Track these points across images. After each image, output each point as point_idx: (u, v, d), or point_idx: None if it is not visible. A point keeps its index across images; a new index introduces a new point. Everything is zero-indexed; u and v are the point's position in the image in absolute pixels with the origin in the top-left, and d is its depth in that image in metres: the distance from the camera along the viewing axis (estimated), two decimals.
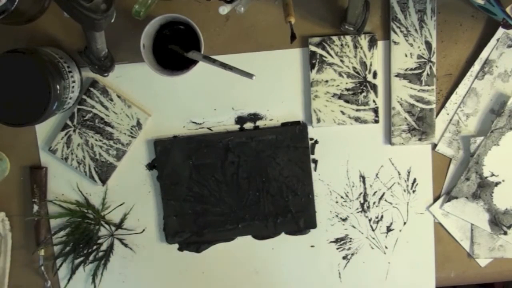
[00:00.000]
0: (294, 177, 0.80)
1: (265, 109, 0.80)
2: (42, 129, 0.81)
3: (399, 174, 0.81)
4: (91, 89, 0.79)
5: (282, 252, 0.83)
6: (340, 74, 0.78)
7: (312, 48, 0.77)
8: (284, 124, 0.80)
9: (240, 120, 0.81)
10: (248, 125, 0.81)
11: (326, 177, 0.81)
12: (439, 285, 0.84)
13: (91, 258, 0.83)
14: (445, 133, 0.80)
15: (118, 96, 0.79)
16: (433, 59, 0.77)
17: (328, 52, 0.77)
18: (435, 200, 0.81)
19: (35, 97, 0.68)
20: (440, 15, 0.77)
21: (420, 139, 0.79)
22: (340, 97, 0.78)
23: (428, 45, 0.77)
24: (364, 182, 0.81)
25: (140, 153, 0.81)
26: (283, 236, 0.82)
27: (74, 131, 0.80)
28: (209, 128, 0.81)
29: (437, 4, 0.76)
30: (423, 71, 0.77)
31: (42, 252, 0.82)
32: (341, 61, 0.77)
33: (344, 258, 0.83)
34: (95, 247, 0.83)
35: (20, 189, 0.82)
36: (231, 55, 0.79)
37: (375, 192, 0.81)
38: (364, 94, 0.78)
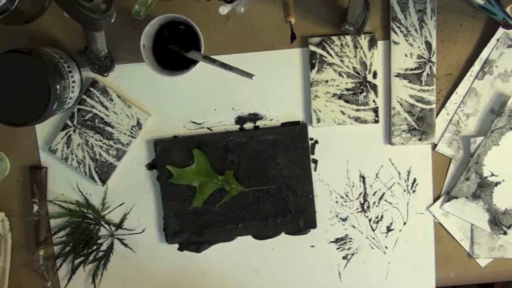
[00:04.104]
0: (294, 177, 0.80)
1: (265, 109, 0.80)
2: (42, 129, 0.81)
3: (399, 174, 0.81)
4: (91, 89, 0.79)
5: (282, 252, 0.83)
6: (340, 74, 0.78)
7: (312, 48, 0.77)
8: (284, 124, 0.81)
9: (240, 120, 0.81)
10: (248, 125, 0.81)
11: (326, 177, 0.81)
12: (439, 285, 0.84)
13: (91, 258, 0.83)
14: (445, 133, 0.80)
15: (118, 96, 0.79)
16: (433, 59, 0.77)
17: (328, 52, 0.77)
18: (435, 200, 0.81)
19: (35, 97, 0.68)
20: (440, 15, 0.77)
21: (420, 139, 0.79)
22: (340, 97, 0.78)
23: (428, 45, 0.77)
24: (364, 182, 0.81)
25: (140, 153, 0.82)
26: (283, 236, 0.82)
27: (74, 131, 0.80)
28: (209, 128, 0.81)
29: (437, 4, 0.76)
30: (423, 71, 0.77)
31: (42, 252, 0.82)
32: (341, 61, 0.77)
33: (344, 258, 0.83)
34: (95, 247, 0.83)
35: (20, 189, 0.82)
36: (231, 55, 0.79)
37: (375, 192, 0.82)
38: (364, 94, 0.78)
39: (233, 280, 0.84)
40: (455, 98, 0.79)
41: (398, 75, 0.78)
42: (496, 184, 0.79)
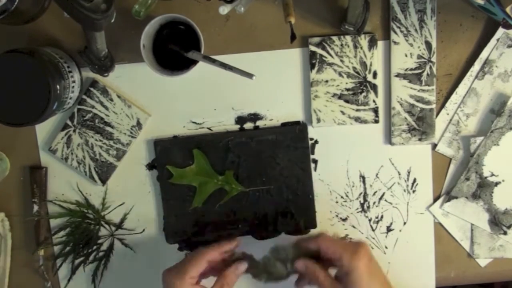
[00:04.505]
0: (294, 177, 0.80)
1: (265, 109, 0.80)
2: (42, 129, 0.81)
3: (399, 174, 0.81)
4: (91, 89, 0.79)
5: None
6: (340, 74, 0.78)
7: (312, 48, 0.77)
8: (284, 124, 0.80)
9: (240, 120, 0.81)
10: (248, 125, 0.81)
11: (326, 177, 0.81)
12: (439, 285, 0.84)
13: (91, 258, 0.83)
14: (445, 133, 0.80)
15: (118, 96, 0.79)
16: (433, 59, 0.77)
17: (328, 52, 0.77)
18: (435, 200, 0.81)
19: (35, 97, 0.68)
20: (440, 15, 0.77)
21: (420, 139, 0.79)
22: (340, 97, 0.78)
23: (428, 45, 0.77)
24: (364, 182, 0.81)
25: (140, 153, 0.81)
26: (283, 236, 0.82)
27: (74, 131, 0.80)
28: (209, 128, 0.81)
29: (437, 4, 0.76)
30: (423, 71, 0.77)
31: (42, 252, 0.82)
32: (341, 61, 0.77)
33: None
34: (95, 247, 0.83)
35: (20, 189, 0.82)
36: (231, 55, 0.79)
37: (375, 192, 0.82)
38: (364, 94, 0.78)
39: None
40: (455, 98, 0.79)
41: (398, 75, 0.78)
42: (496, 184, 0.79)
